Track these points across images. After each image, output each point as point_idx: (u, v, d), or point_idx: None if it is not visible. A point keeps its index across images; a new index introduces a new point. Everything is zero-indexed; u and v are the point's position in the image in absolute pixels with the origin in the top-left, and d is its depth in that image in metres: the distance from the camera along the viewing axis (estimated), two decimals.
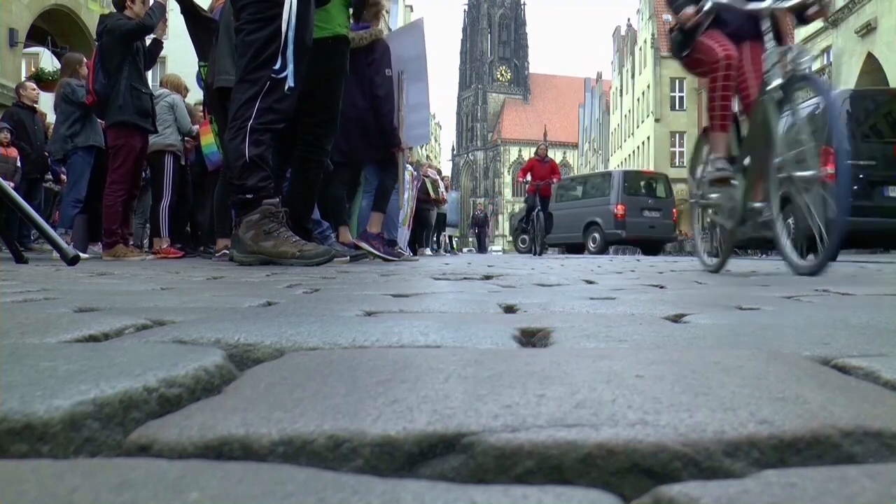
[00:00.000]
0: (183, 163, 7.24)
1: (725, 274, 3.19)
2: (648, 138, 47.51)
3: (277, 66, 3.44)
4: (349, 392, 0.50)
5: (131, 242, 6.59)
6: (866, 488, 0.33)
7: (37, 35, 14.90)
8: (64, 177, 7.82)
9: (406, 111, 5.79)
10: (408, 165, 7.80)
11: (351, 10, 4.58)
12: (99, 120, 6.39)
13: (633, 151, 52.69)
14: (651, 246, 16.34)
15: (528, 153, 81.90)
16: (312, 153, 4.19)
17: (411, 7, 47.05)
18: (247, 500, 0.31)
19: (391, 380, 0.54)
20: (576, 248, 16.89)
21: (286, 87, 3.46)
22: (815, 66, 29.29)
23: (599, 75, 77.15)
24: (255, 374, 0.60)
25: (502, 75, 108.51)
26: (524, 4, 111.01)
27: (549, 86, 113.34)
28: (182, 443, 0.40)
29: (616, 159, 59.81)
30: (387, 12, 34.74)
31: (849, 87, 10.89)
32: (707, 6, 3.10)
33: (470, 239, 36.98)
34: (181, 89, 7.35)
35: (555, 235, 15.75)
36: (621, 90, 59.14)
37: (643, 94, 50.03)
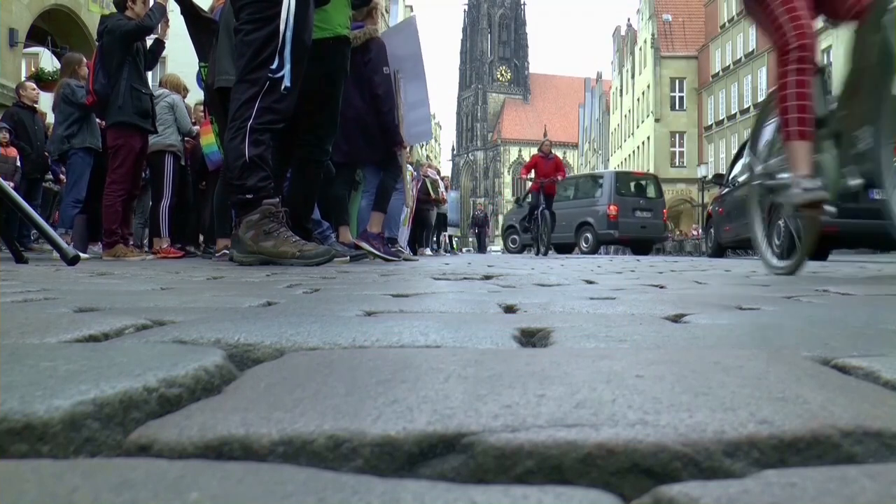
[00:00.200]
0: (183, 163, 7.25)
1: (725, 274, 3.16)
2: (648, 138, 47.55)
3: (274, 65, 3.44)
4: (349, 392, 0.50)
5: (131, 242, 6.59)
6: (866, 488, 0.33)
7: (37, 35, 14.91)
8: (63, 177, 7.82)
9: (405, 110, 5.79)
10: (408, 165, 7.80)
11: (351, 12, 4.57)
12: (99, 120, 6.40)
13: (633, 151, 52.71)
14: (641, 245, 16.51)
15: (527, 153, 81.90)
16: (313, 153, 4.19)
17: (411, 7, 47.04)
18: (247, 500, 0.31)
19: (391, 380, 0.54)
20: (566, 249, 16.95)
21: (282, 87, 3.46)
22: None
23: (599, 75, 77.20)
24: (255, 374, 0.60)
25: (502, 75, 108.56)
26: (524, 4, 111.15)
27: (549, 86, 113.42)
28: (182, 443, 0.40)
29: (616, 159, 59.84)
30: (386, 12, 34.78)
31: None
32: None
33: (470, 239, 37.02)
34: (181, 89, 7.35)
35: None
36: (621, 90, 59.18)
37: (643, 94, 50.07)
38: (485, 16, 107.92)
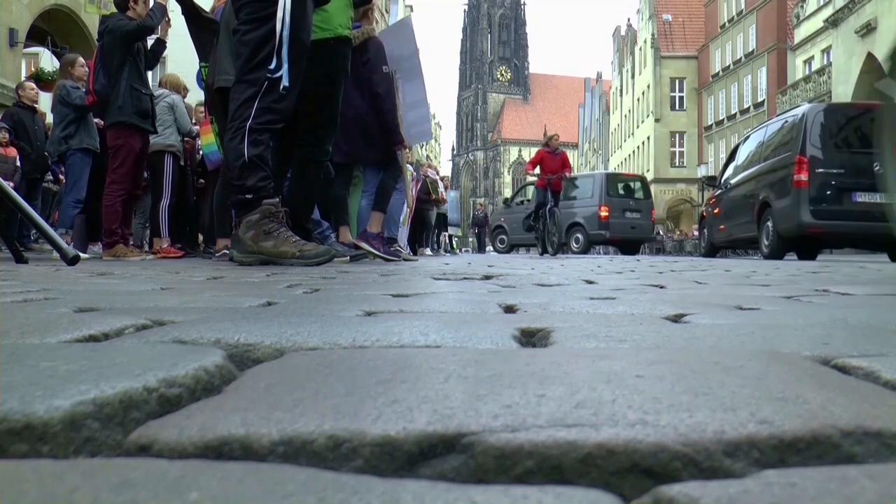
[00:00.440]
0: (182, 163, 7.25)
1: (725, 274, 3.17)
2: (648, 138, 47.53)
3: (273, 65, 3.44)
4: (349, 392, 0.50)
5: (131, 242, 6.59)
6: (866, 488, 0.33)
7: (37, 35, 14.91)
8: (63, 177, 7.82)
9: (404, 110, 5.78)
10: (408, 165, 7.80)
11: (352, 13, 4.56)
12: (99, 120, 6.40)
13: (633, 151, 52.69)
14: (631, 246, 16.63)
15: (527, 153, 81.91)
16: (313, 153, 4.19)
17: (411, 7, 47.02)
18: (247, 500, 0.31)
19: (391, 380, 0.54)
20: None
21: (281, 87, 3.46)
22: (815, 65, 29.34)
23: (599, 75, 77.14)
24: (255, 374, 0.60)
25: (502, 75, 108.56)
26: (524, 4, 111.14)
27: (549, 86, 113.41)
28: (182, 443, 0.40)
29: (616, 159, 59.81)
30: (386, 12, 34.77)
31: (822, 103, 11.44)
32: None
33: (470, 239, 36.98)
34: (181, 89, 7.35)
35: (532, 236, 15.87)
36: (621, 90, 59.15)
37: (643, 94, 50.05)
38: (485, 16, 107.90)
